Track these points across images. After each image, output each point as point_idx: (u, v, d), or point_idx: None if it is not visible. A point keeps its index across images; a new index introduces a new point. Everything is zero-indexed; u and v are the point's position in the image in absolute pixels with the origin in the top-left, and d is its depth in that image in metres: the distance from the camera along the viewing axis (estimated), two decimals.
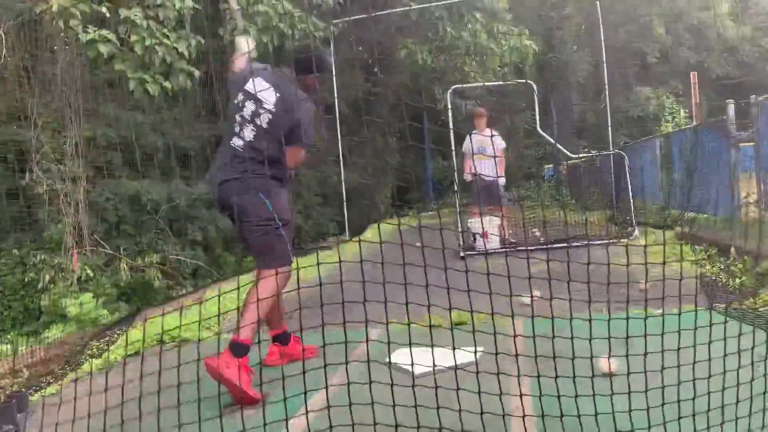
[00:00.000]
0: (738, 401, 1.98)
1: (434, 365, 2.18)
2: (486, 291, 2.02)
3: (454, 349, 2.08)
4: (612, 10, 15.35)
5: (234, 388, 2.68)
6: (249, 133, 3.09)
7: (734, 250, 5.41)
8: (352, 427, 2.06)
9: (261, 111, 3.10)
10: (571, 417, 2.00)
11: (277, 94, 3.14)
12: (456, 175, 8.79)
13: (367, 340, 2.17)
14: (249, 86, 3.12)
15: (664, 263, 1.97)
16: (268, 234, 3.04)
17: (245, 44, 3.49)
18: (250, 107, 3.13)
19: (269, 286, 2.92)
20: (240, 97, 3.17)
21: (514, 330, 2.06)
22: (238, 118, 3.13)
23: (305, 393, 2.11)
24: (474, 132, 7.96)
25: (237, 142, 3.11)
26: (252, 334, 2.80)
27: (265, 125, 3.08)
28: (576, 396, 2.00)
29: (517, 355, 2.02)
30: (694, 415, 1.95)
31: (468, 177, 8.15)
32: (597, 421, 1.98)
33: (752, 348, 2.08)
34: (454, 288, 2.01)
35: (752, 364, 2.04)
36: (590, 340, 2.05)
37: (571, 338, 2.01)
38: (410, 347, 2.13)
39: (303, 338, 2.68)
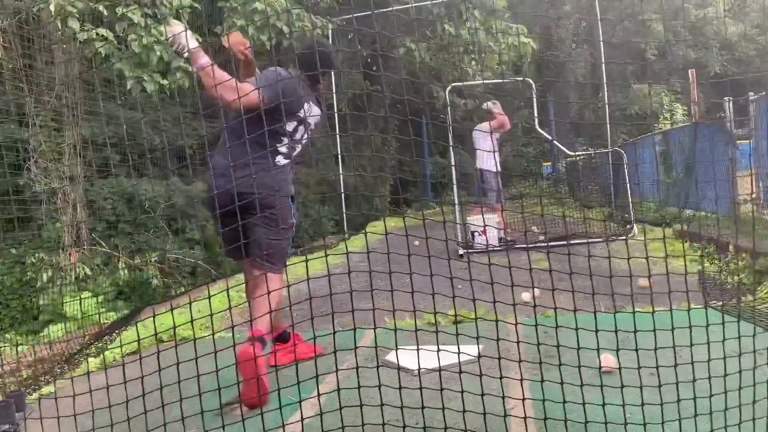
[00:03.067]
0: (725, 404, 1.98)
1: (438, 351, 2.18)
2: (484, 289, 2.03)
3: (458, 341, 2.08)
4: (610, 8, 15.36)
5: (255, 388, 2.53)
6: (292, 151, 3.14)
7: (732, 247, 5.42)
8: (360, 407, 2.06)
9: (307, 134, 3.18)
10: (563, 406, 2.00)
11: (320, 114, 3.21)
12: (454, 173, 8.80)
13: (375, 326, 2.17)
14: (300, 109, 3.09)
15: (647, 258, 1.97)
16: (286, 239, 3.09)
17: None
18: (301, 132, 3.14)
19: (277, 282, 2.92)
20: (293, 121, 3.09)
21: (516, 320, 2.06)
22: (286, 140, 3.07)
23: (317, 377, 2.12)
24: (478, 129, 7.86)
25: (281, 160, 3.08)
26: (268, 326, 2.82)
27: (303, 143, 3.20)
28: (582, 385, 2.00)
29: (518, 342, 2.02)
30: (681, 414, 1.95)
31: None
32: (583, 411, 1.98)
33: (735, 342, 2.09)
34: (457, 278, 2.02)
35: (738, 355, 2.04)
36: (597, 332, 2.04)
37: (576, 329, 2.01)
38: (417, 345, 2.13)
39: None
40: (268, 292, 2.55)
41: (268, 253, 2.96)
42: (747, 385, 1.93)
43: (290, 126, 3.08)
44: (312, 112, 3.13)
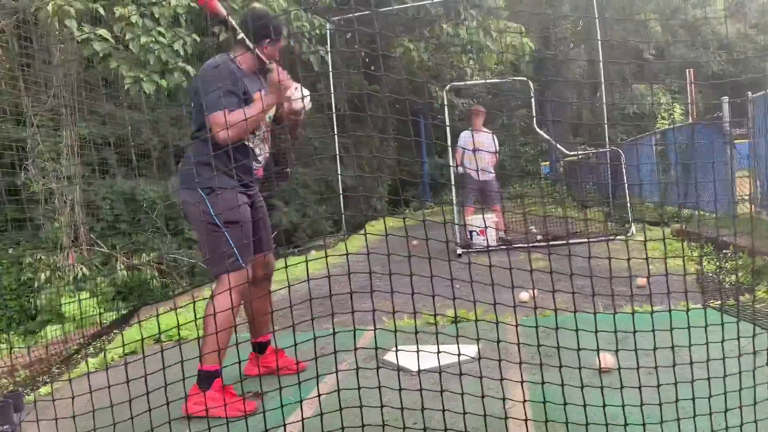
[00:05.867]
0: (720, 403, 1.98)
1: (439, 351, 2.18)
2: (481, 290, 2.03)
3: (458, 342, 2.08)
4: (608, 7, 15.37)
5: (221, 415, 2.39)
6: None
7: (731, 246, 5.43)
8: (360, 408, 2.07)
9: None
10: (564, 408, 2.00)
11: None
12: (453, 173, 8.80)
13: (374, 328, 2.17)
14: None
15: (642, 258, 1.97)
16: (207, 236, 2.78)
17: None
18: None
19: (222, 301, 2.56)
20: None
21: (516, 320, 2.06)
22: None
23: (317, 377, 2.12)
24: (470, 129, 7.95)
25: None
26: (216, 356, 2.57)
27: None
28: (563, 384, 2.00)
29: (519, 344, 2.02)
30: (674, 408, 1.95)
31: (460, 170, 7.97)
32: (577, 412, 1.98)
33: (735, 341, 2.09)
34: (457, 277, 2.02)
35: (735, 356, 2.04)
36: (596, 333, 2.04)
37: (577, 330, 2.01)
38: (417, 344, 2.13)
39: (295, 338, 2.64)
40: (215, 314, 2.50)
41: (202, 256, 2.86)
42: (747, 386, 1.93)
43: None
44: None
